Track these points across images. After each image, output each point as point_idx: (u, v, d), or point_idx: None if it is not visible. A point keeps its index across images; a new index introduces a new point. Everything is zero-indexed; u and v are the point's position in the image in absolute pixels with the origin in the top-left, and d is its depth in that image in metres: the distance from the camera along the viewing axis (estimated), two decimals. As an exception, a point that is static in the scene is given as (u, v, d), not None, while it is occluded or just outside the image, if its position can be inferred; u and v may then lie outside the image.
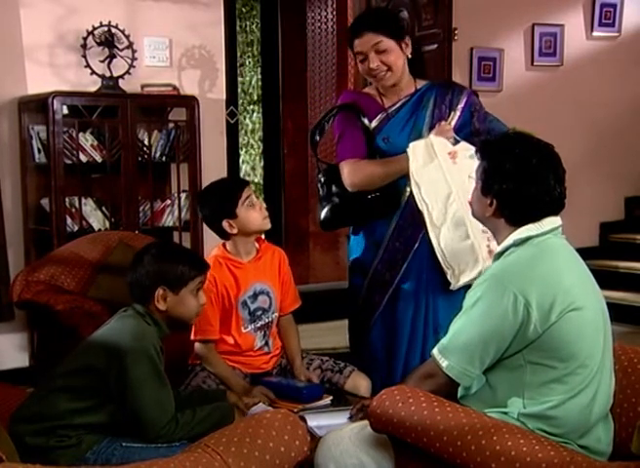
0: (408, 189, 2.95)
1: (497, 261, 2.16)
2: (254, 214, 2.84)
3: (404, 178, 2.93)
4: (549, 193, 2.11)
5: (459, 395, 2.20)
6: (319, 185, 3.08)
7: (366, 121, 2.99)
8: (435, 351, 2.14)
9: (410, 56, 2.99)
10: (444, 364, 2.10)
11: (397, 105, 3.02)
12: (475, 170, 2.23)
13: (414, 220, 2.94)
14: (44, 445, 2.19)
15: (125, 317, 2.41)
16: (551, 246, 2.13)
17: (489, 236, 2.70)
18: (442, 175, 2.84)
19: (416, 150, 2.87)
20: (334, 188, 3.02)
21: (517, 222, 2.13)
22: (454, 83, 3.24)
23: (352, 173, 2.96)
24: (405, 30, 3.06)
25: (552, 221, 2.15)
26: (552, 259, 2.11)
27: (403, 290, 2.99)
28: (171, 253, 2.50)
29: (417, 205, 2.89)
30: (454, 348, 2.10)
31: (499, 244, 2.19)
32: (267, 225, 2.90)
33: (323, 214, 3.06)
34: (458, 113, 2.97)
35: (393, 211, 2.99)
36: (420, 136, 2.94)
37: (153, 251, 2.46)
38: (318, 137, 3.06)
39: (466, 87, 3.17)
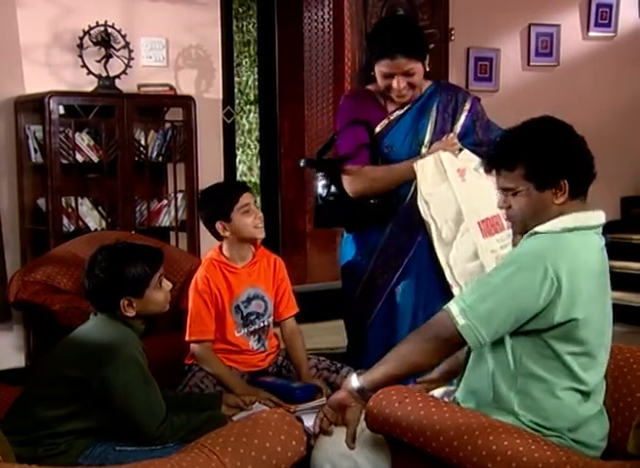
0: (407, 198, 2.92)
1: (533, 237, 2.08)
2: (247, 220, 2.83)
3: (405, 187, 2.91)
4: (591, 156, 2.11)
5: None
6: (319, 184, 3.02)
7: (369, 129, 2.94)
8: (454, 307, 2.06)
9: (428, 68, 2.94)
10: (461, 322, 2.02)
11: (401, 112, 2.97)
12: (500, 181, 2.11)
13: (409, 227, 2.92)
14: (32, 455, 2.11)
15: (98, 323, 2.35)
16: (593, 244, 2.10)
17: (497, 255, 2.73)
18: (452, 194, 2.81)
19: (425, 167, 2.82)
20: (332, 188, 2.98)
21: (577, 196, 2.09)
22: (458, 88, 3.14)
23: (354, 180, 2.93)
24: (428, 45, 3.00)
25: (598, 217, 2.12)
26: (588, 257, 2.07)
27: (401, 290, 2.97)
28: (121, 258, 2.35)
29: (423, 219, 2.87)
30: (475, 311, 2.02)
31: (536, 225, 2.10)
32: (260, 234, 2.89)
33: (317, 210, 3.03)
34: (461, 121, 2.94)
35: (390, 218, 2.97)
36: (420, 145, 2.91)
37: (101, 259, 2.34)
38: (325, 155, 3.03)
39: (470, 93, 3.10)
